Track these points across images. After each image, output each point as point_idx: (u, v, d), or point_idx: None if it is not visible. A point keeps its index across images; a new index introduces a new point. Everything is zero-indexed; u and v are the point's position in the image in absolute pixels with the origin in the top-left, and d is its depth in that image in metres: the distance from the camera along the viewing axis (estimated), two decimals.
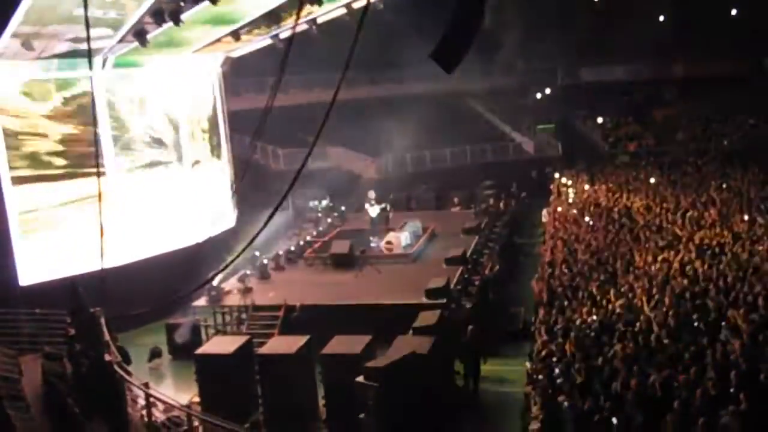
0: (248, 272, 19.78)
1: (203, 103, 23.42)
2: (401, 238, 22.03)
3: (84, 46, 14.16)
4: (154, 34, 16.44)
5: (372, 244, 22.42)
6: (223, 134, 24.64)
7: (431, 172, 33.19)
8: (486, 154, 34.94)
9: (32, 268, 17.97)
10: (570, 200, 25.95)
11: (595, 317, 13.26)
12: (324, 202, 28.51)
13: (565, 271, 16.78)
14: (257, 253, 20.70)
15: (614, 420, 9.49)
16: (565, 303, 14.56)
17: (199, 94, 23.11)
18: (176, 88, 21.74)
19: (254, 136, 22.01)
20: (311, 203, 28.33)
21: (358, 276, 19.67)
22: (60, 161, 18.49)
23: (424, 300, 16.58)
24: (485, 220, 25.39)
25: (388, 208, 24.59)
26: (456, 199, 29.77)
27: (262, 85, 30.51)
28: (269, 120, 9.33)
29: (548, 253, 19.16)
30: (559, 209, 24.76)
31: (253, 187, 24.37)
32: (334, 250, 21.13)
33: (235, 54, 23.21)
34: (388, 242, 21.99)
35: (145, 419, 10.81)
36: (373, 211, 23.19)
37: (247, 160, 23.60)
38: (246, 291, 18.44)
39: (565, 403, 10.10)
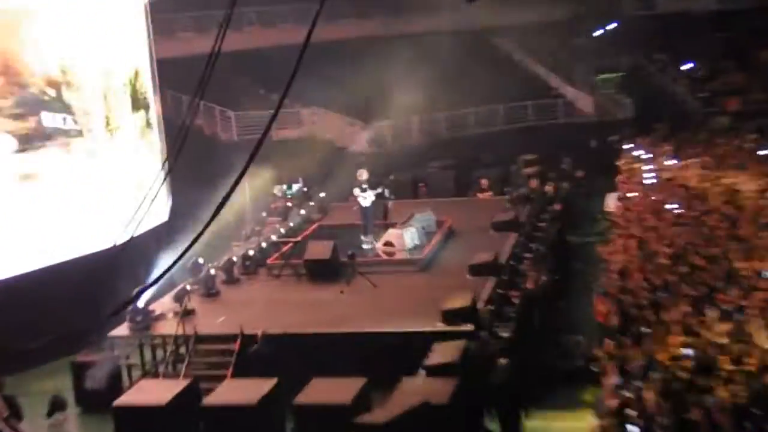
0: (188, 287, 19.67)
1: (123, 49, 23.32)
2: (406, 238, 21.96)
3: None
4: None
5: (364, 246, 22.35)
6: (150, 92, 24.56)
7: (448, 142, 33.24)
8: (526, 117, 34.95)
9: None
10: (646, 181, 25.92)
11: (688, 350, 13.17)
12: (295, 187, 28.44)
13: (643, 283, 16.67)
14: (200, 260, 20.64)
15: None
16: (644, 330, 14.47)
17: (116, 36, 22.99)
18: (84, 27, 21.56)
19: (195, 93, 21.73)
20: (277, 188, 28.24)
21: (344, 291, 19.66)
22: None
23: (440, 326, 16.57)
24: (526, 210, 25.36)
25: (387, 194, 24.49)
26: (484, 181, 29.76)
27: (205, 22, 30.38)
28: (216, 70, 9.19)
29: (617, 257, 19.06)
30: (632, 194, 24.72)
31: (194, 166, 24.27)
32: (310, 254, 21.08)
33: None
34: (388, 243, 21.89)
35: None
36: (366, 198, 23.10)
37: (186, 127, 23.43)
38: (185, 314, 18.30)
39: None
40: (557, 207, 25.82)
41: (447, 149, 32.74)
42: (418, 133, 33.38)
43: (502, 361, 14.39)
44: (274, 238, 23.58)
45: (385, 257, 21.76)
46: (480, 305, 17.41)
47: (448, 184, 31.02)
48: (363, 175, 23.36)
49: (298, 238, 23.38)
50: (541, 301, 18.18)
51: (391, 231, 22.33)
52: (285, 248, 22.55)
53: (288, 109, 31.02)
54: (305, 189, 28.51)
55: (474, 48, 34.99)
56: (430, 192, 30.13)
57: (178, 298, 18.98)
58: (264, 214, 26.92)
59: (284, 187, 28.47)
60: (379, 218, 23.86)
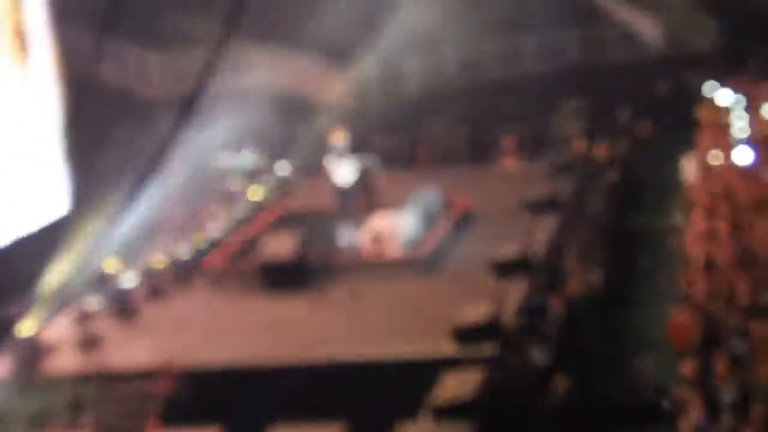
0: (94, 305, 19.82)
1: None
2: (400, 227, 22.05)
3: None
4: None
5: (343, 240, 22.47)
6: (40, 30, 24.33)
7: (459, 90, 33.19)
8: (566, 51, 34.85)
9: None
10: (738, 137, 25.88)
11: None
12: (245, 158, 28.38)
13: (739, 283, 16.62)
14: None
15: None
16: (740, 345, 14.48)
17: None
18: None
19: (101, 29, 22.20)
20: (220, 161, 28.19)
21: (314, 305, 19.83)
22: None
23: (451, 349, 16.70)
24: (569, 182, 25.48)
25: (374, 164, 24.44)
26: (509, 142, 29.82)
27: None
28: None
29: (700, 245, 19.03)
30: (718, 157, 24.72)
31: (102, 134, 24.34)
32: (267, 254, 21.33)
33: None
34: (375, 236, 21.91)
35: None
36: (344, 172, 23.10)
37: (89, 78, 23.53)
38: (89, 343, 18.37)
39: None
40: (613, 177, 25.96)
41: (457, 99, 32.75)
42: (417, 79, 33.32)
43: (560, 381, 14.62)
44: (215, 232, 23.71)
45: (371, 255, 21.81)
46: (506, 319, 17.54)
47: (459, 147, 31.15)
48: (339, 138, 23.49)
49: (250, 232, 23.52)
50: (591, 311, 18.38)
51: (380, 219, 22.41)
52: (231, 246, 22.68)
53: (235, 50, 30.95)
54: (259, 160, 28.45)
55: None
56: (435, 159, 30.32)
57: (80, 320, 19.00)
58: (201, 197, 26.99)
59: (230, 158, 28.38)
60: (363, 200, 23.82)
